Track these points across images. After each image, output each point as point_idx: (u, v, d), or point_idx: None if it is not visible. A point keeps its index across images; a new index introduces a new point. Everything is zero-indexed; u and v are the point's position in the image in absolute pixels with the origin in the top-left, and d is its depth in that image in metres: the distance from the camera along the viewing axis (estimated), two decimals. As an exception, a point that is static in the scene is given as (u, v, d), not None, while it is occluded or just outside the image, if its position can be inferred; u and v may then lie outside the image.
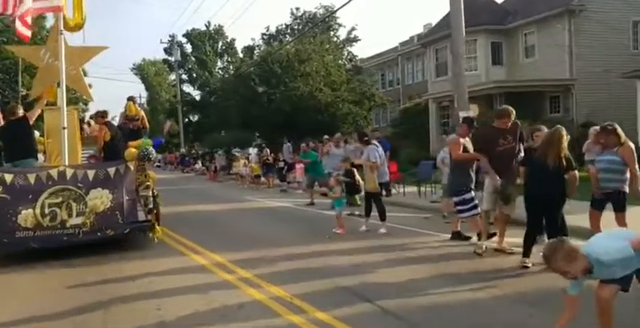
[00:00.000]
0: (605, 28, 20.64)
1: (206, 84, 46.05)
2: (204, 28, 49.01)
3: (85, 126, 10.42)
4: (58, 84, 8.57)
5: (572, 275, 3.34)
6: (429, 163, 14.46)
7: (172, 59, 48.38)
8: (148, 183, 8.61)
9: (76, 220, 7.43)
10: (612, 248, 3.29)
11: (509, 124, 6.78)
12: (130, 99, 11.23)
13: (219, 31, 49.37)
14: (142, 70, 60.93)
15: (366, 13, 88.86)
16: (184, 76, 49.87)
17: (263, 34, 43.10)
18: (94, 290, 5.65)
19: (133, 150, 8.25)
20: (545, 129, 6.42)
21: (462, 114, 11.42)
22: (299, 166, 17.39)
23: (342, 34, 40.61)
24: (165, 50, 49.20)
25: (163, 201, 9.71)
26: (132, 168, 8.05)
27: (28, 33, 7.53)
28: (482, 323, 4.36)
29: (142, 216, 8.05)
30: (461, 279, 5.58)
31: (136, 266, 6.71)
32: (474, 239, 7.35)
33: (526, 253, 5.99)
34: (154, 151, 8.53)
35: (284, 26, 42.60)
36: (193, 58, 49.18)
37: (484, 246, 6.75)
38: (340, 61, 33.49)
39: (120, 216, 7.69)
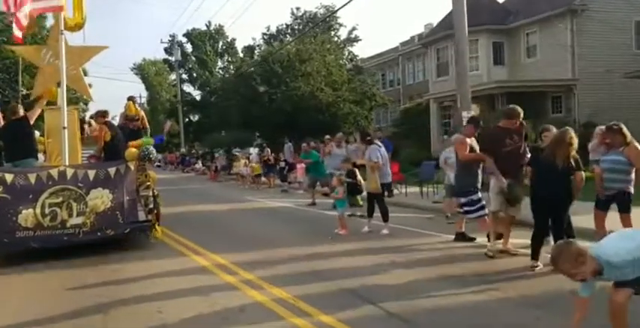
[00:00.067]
0: (607, 27, 20.58)
1: (206, 84, 45.96)
2: (204, 28, 48.93)
3: (86, 126, 10.38)
4: (59, 84, 8.53)
5: (580, 277, 3.31)
6: (430, 163, 14.42)
7: (173, 59, 48.33)
8: (149, 183, 8.58)
9: (76, 220, 7.41)
10: (623, 249, 3.25)
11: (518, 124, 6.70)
12: (130, 99, 11.19)
13: (219, 31, 49.28)
14: (142, 70, 60.89)
15: (366, 12, 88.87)
16: (185, 76, 49.81)
17: (264, 34, 43.12)
18: (94, 292, 5.58)
19: (134, 150, 8.22)
20: (555, 130, 6.35)
21: (465, 114, 11.37)
22: (300, 166, 17.33)
23: (343, 33, 40.67)
24: (166, 50, 49.19)
25: (164, 201, 9.66)
26: (132, 168, 8.02)
27: (19, 33, 7.53)
28: (488, 326, 4.30)
29: (142, 216, 8.03)
30: (465, 281, 5.52)
31: (137, 268, 6.65)
32: (480, 241, 7.29)
33: (534, 255, 5.88)
34: (154, 151, 8.50)
35: (284, 26, 42.59)
36: (194, 58, 49.10)
37: (495, 248, 6.62)
38: (341, 61, 33.42)
39: (120, 216, 7.67)
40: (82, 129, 9.96)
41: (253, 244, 7.92)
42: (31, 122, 8.33)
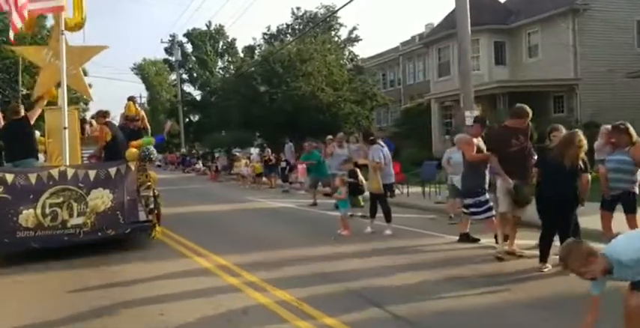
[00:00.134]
0: (609, 27, 20.50)
1: (207, 84, 45.89)
2: (204, 28, 48.80)
3: (87, 126, 10.34)
4: (58, 85, 8.49)
5: (590, 276, 3.28)
6: (432, 163, 14.37)
7: (173, 59, 48.26)
8: (149, 183, 8.51)
9: (76, 220, 7.37)
10: (631, 248, 3.21)
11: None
12: (130, 99, 11.11)
13: (219, 31, 49.18)
14: (142, 70, 60.80)
15: (367, 12, 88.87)
16: (185, 76, 49.73)
17: (264, 34, 43.00)
18: (95, 294, 5.51)
19: (134, 150, 8.17)
20: (564, 130, 6.28)
21: (468, 113, 11.30)
22: (301, 166, 17.27)
23: (344, 33, 40.58)
24: (166, 50, 49.11)
25: (164, 202, 9.61)
26: (133, 168, 7.98)
27: (12, 35, 7.55)
28: (495, 327, 4.23)
29: (142, 216, 7.96)
30: (471, 282, 5.45)
31: (138, 269, 6.59)
32: (484, 242, 7.22)
33: (543, 257, 5.78)
34: (155, 151, 8.45)
35: (285, 26, 42.49)
36: (194, 58, 49.02)
37: (503, 250, 6.50)
38: (342, 61, 33.36)
39: (121, 216, 7.63)
40: (83, 129, 9.93)
41: (255, 245, 7.85)
42: (32, 122, 8.30)
